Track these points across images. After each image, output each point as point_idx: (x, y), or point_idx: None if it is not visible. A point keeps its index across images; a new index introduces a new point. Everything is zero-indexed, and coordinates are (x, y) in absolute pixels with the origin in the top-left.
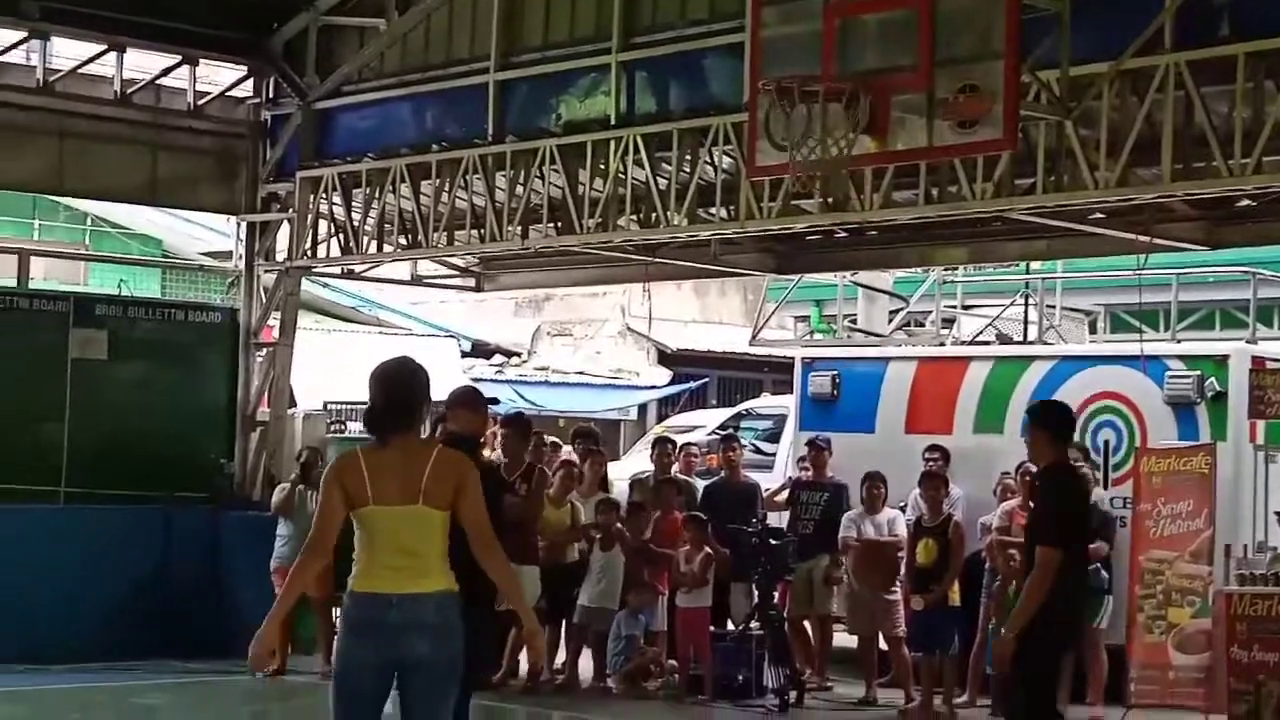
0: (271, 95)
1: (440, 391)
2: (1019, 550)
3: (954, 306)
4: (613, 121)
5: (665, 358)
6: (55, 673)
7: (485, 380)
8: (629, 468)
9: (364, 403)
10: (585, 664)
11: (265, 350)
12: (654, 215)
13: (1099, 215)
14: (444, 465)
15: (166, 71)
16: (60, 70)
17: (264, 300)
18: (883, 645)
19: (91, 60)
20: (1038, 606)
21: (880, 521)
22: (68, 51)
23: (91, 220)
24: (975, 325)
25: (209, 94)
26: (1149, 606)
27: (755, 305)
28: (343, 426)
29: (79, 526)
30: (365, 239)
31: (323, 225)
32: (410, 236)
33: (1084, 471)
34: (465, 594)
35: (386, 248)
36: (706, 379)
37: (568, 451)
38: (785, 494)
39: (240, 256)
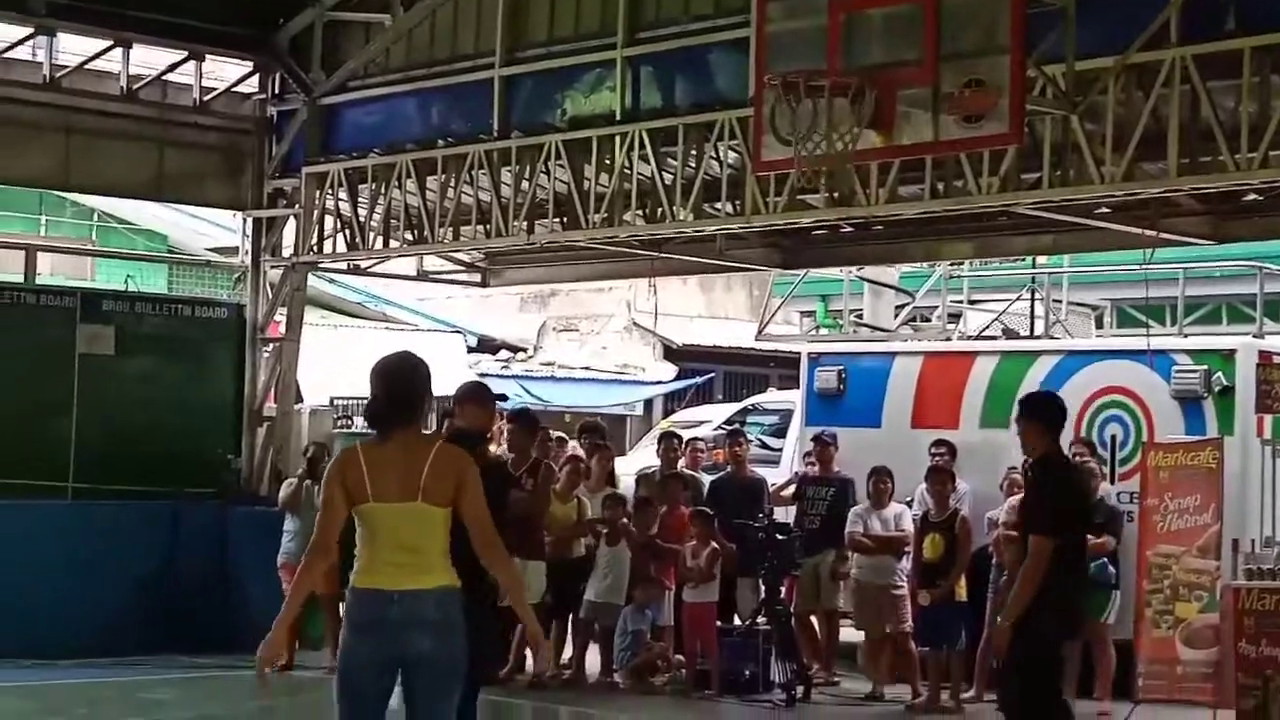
0: (277, 91)
1: (446, 387)
2: None
3: (960, 301)
4: (618, 117)
5: (671, 353)
6: (62, 668)
7: (491, 375)
8: (635, 463)
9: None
10: (592, 659)
11: (272, 345)
12: (659, 210)
13: (1105, 210)
14: (443, 462)
15: (173, 67)
16: (66, 66)
17: (270, 296)
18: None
19: (97, 56)
20: (1032, 595)
21: (886, 516)
22: (74, 47)
23: (98, 216)
24: (981, 320)
25: (215, 90)
26: (1156, 601)
27: (761, 300)
28: (349, 421)
29: (86, 522)
30: (371, 234)
31: (329, 221)
32: (416, 232)
33: (1087, 465)
34: (467, 590)
35: (392, 243)
36: (712, 374)
37: (574, 447)
38: (791, 489)
39: (246, 252)
